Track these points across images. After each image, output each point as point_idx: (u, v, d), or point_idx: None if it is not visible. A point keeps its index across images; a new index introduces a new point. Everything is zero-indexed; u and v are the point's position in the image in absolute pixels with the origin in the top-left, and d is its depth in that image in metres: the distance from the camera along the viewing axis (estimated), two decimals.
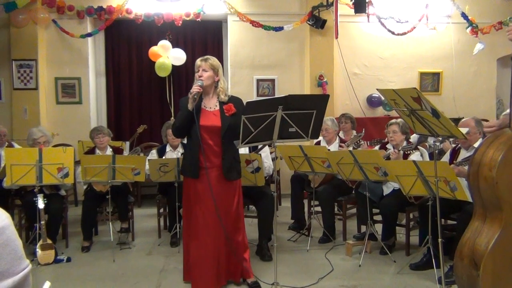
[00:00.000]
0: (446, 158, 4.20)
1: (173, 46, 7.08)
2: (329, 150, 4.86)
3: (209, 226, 3.44)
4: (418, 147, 4.57)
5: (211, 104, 3.52)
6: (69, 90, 6.99)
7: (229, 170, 3.47)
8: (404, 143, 4.48)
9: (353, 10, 6.73)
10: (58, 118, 6.97)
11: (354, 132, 5.89)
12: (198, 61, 3.50)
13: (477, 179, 2.45)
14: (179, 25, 6.85)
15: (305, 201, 5.32)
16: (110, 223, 4.63)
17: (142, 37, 7.34)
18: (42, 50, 6.84)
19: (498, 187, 2.32)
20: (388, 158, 4.38)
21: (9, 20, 6.65)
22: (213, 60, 3.51)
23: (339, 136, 5.33)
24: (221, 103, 3.49)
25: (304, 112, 3.09)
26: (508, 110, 2.57)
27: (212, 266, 3.47)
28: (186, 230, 3.67)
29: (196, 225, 3.50)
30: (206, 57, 3.53)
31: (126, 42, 7.42)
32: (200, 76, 3.44)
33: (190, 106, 3.38)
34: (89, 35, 6.85)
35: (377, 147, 4.90)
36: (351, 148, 4.81)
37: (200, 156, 3.42)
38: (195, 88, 3.35)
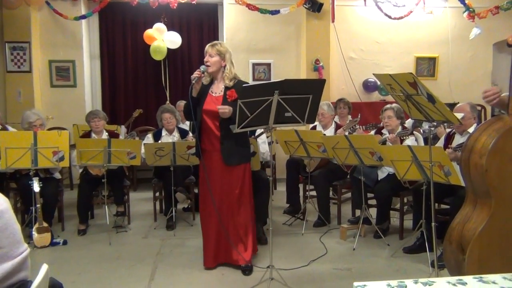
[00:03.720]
0: (440, 143, 4.22)
1: (168, 29, 7.01)
2: (324, 134, 4.88)
3: (211, 206, 3.57)
4: (414, 132, 4.58)
5: (218, 90, 3.58)
6: (63, 73, 6.93)
7: (229, 155, 3.52)
8: (400, 129, 4.50)
9: None
10: (53, 101, 6.92)
11: (350, 117, 5.90)
12: (207, 47, 3.55)
13: (468, 165, 2.44)
14: (174, 8, 6.75)
15: (300, 186, 5.35)
16: (106, 206, 4.64)
17: (136, 19, 7.26)
18: (35, 32, 6.74)
19: (487, 175, 2.30)
20: (384, 143, 4.39)
21: (0, 1, 6.53)
22: (221, 45, 3.55)
23: (335, 121, 5.34)
24: (226, 88, 3.52)
25: (301, 97, 3.10)
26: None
27: (212, 243, 3.65)
28: (201, 210, 3.82)
29: (205, 204, 3.67)
30: (214, 42, 3.59)
31: (121, 24, 7.34)
32: (206, 62, 3.50)
33: (194, 92, 3.49)
34: (83, 17, 6.75)
35: (372, 132, 4.91)
36: (346, 133, 4.82)
37: (201, 139, 3.56)
38: (195, 74, 3.44)
